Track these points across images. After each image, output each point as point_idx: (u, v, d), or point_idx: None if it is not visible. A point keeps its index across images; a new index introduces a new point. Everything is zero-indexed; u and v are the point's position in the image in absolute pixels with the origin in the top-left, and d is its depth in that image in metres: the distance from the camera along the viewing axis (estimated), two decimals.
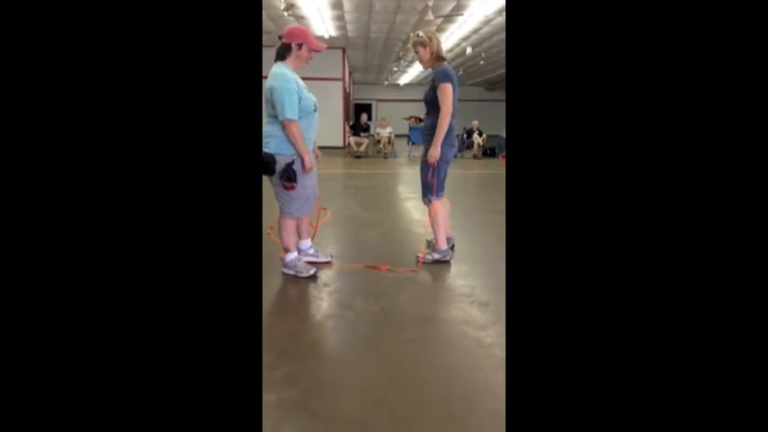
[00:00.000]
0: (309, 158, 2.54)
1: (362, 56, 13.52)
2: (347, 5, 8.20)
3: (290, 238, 2.72)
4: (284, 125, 2.45)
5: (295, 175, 2.51)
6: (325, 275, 2.82)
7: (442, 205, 3.04)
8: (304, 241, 2.98)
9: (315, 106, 2.58)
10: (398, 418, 1.52)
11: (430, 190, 2.98)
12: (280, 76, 2.44)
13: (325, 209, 4.30)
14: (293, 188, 2.54)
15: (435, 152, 2.84)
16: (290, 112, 2.42)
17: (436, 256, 3.07)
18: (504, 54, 11.26)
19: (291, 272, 2.75)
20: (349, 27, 9.73)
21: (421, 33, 2.92)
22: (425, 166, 2.96)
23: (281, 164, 2.51)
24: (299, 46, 2.51)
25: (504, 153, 11.75)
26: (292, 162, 2.50)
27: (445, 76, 2.80)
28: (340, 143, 12.41)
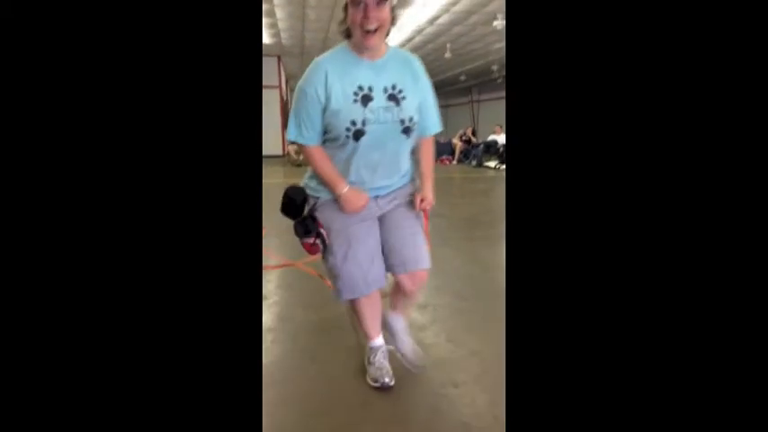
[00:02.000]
0: (344, 192, 1.52)
1: (298, 63, 13.42)
2: (279, 13, 8.13)
3: (367, 322, 1.73)
4: None
5: (314, 227, 1.55)
6: (264, 289, 2.78)
7: None
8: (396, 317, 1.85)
9: (355, 131, 1.44)
10: (339, 424, 1.53)
11: None
12: (308, 70, 1.49)
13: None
14: (312, 251, 1.58)
15: None
16: (291, 131, 1.52)
17: None
18: (437, 63, 11.57)
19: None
20: (283, 35, 9.65)
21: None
22: None
23: (310, 205, 1.60)
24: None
25: (444, 157, 12.04)
26: (314, 205, 1.59)
27: None
28: (279, 152, 12.25)
